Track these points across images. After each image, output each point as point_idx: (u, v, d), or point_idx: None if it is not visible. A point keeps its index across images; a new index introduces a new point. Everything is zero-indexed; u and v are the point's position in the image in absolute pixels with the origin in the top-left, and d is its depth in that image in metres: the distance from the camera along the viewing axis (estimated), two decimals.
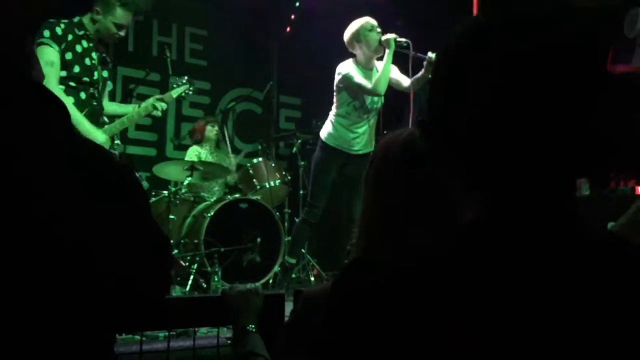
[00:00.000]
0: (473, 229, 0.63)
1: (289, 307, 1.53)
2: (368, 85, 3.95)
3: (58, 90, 2.99)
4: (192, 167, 4.43)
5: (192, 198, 4.73)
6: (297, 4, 6.34)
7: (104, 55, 3.30)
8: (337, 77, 4.08)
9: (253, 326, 1.41)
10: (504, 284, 0.58)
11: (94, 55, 3.19)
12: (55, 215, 0.92)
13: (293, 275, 4.81)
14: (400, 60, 4.01)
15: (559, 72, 0.61)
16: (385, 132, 4.19)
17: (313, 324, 1.01)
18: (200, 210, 4.55)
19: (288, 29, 6.51)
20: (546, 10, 0.66)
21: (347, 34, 4.06)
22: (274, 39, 6.62)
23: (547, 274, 0.59)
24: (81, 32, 3.14)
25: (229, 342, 1.71)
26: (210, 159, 5.20)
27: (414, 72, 3.98)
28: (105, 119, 3.39)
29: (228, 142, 5.49)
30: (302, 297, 1.11)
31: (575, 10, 0.67)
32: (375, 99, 4.06)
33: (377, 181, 1.06)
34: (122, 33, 3.22)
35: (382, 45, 3.93)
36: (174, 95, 3.67)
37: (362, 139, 4.14)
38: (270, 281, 4.49)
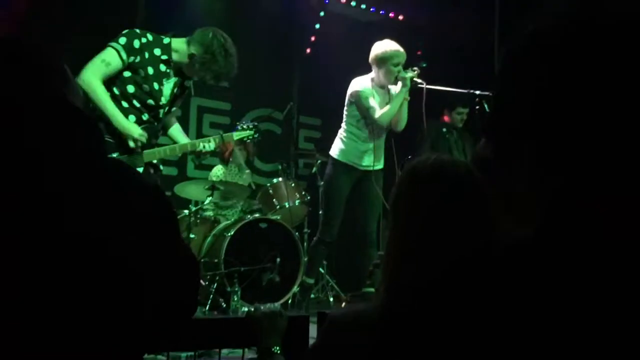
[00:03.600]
0: (543, 233, 0.61)
1: (312, 329, 1.53)
2: (375, 113, 3.97)
3: (100, 82, 2.92)
4: (212, 186, 4.47)
5: (212, 217, 4.76)
6: (318, 26, 6.41)
7: (175, 92, 3.19)
8: (350, 91, 4.11)
9: (278, 348, 1.42)
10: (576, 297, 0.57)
11: (165, 81, 3.10)
12: (86, 234, 0.94)
13: (312, 296, 4.81)
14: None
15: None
16: (407, 155, 4.20)
17: (339, 347, 1.02)
18: (220, 230, 4.57)
19: (308, 50, 6.57)
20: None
21: (373, 52, 4.08)
22: (294, 60, 6.69)
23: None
24: (165, 57, 3.06)
25: None
26: (231, 180, 5.23)
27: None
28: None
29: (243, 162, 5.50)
30: (327, 321, 1.12)
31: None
32: None
33: (408, 205, 1.06)
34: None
35: (398, 80, 3.96)
36: (235, 138, 3.56)
37: (372, 153, 4.13)
38: (290, 301, 4.48)
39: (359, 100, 4.04)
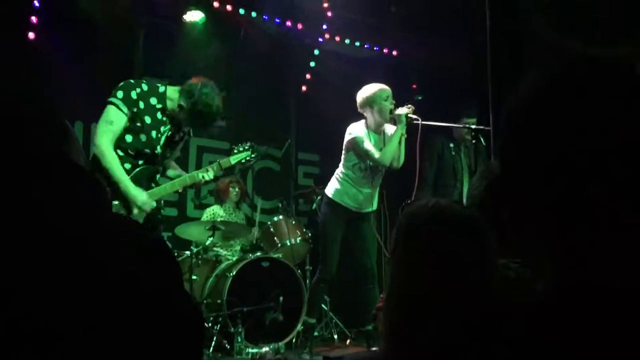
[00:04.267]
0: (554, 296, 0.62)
1: None
2: (375, 154, 4.00)
3: (110, 146, 2.98)
4: (213, 227, 4.47)
5: (214, 258, 4.75)
6: (313, 64, 6.50)
7: (171, 136, 3.23)
8: (347, 137, 4.15)
9: None
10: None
11: (162, 129, 3.15)
12: (89, 295, 0.93)
13: (315, 334, 4.76)
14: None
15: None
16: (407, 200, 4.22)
17: None
18: (222, 270, 4.56)
19: (304, 88, 6.65)
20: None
21: (360, 97, 4.13)
22: (291, 98, 6.76)
23: None
24: (159, 106, 3.11)
25: None
26: (228, 219, 5.24)
27: (422, 149, 4.03)
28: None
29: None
30: None
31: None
32: None
33: (408, 253, 1.06)
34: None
35: (393, 117, 4.01)
36: (233, 162, 3.53)
37: (366, 197, 4.19)
38: (294, 340, 4.44)
39: (356, 147, 4.07)
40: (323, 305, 4.93)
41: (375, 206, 4.27)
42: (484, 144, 3.66)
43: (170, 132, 3.19)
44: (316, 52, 6.46)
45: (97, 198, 1.10)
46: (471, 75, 4.23)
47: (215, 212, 5.30)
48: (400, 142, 4.04)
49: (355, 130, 4.11)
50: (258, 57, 6.16)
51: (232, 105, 6.46)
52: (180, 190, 3.44)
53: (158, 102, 3.12)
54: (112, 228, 1.06)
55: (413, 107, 4.00)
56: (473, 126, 3.73)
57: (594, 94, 0.65)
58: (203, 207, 5.62)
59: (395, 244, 1.08)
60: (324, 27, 6.28)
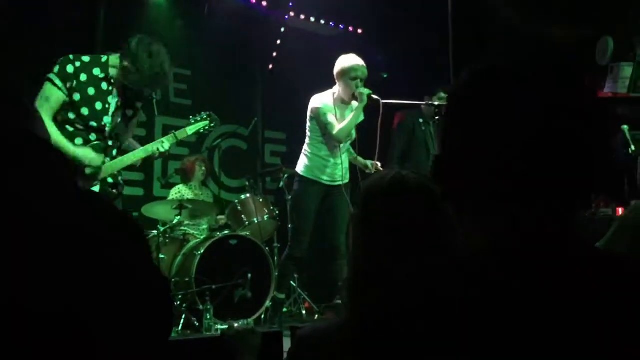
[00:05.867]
0: (484, 253, 0.70)
1: (287, 343, 1.57)
2: (333, 129, 4.03)
3: (46, 120, 2.89)
4: (180, 205, 4.47)
5: (181, 236, 4.75)
6: (279, 41, 6.47)
7: (126, 97, 3.17)
8: (310, 107, 4.16)
9: None
10: (516, 305, 0.64)
11: (109, 99, 3.10)
12: (62, 270, 0.95)
13: (284, 310, 4.82)
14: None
15: (562, 101, 0.70)
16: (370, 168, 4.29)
17: None
18: (190, 249, 4.57)
19: (271, 66, 6.63)
20: (532, 49, 0.75)
21: (336, 67, 4.13)
22: (257, 76, 6.73)
23: (555, 295, 0.65)
24: (102, 75, 3.07)
25: None
26: (195, 197, 5.23)
27: (382, 128, 4.08)
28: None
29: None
30: (295, 339, 1.15)
31: (554, 44, 0.76)
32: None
33: (364, 222, 1.11)
34: (147, 90, 3.16)
35: (356, 95, 4.02)
36: (190, 132, 3.48)
37: (337, 168, 4.18)
38: (262, 317, 4.49)
39: (318, 117, 4.09)
40: (292, 282, 4.99)
41: (347, 178, 4.26)
42: None
43: (119, 104, 3.14)
44: (282, 29, 6.43)
45: (67, 173, 1.11)
46: (437, 53, 4.29)
47: (181, 191, 5.29)
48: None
49: (319, 101, 4.11)
50: (223, 34, 6.10)
51: (197, 84, 6.44)
52: (137, 165, 3.37)
53: (101, 72, 3.07)
54: (84, 202, 1.08)
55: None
56: (436, 103, 3.79)
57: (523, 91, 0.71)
58: (169, 186, 5.60)
59: (354, 213, 1.12)
60: (290, 4, 6.25)
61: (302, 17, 6.38)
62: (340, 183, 4.20)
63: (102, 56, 3.12)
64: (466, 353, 0.62)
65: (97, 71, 3.06)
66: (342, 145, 4.16)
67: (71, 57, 3.04)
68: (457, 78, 0.79)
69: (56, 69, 3.00)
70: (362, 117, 4.11)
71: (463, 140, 0.74)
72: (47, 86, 2.99)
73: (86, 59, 3.06)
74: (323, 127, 4.08)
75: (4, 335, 0.87)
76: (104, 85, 3.08)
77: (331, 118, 4.05)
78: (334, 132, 4.02)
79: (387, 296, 0.67)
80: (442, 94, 4.48)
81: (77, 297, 0.94)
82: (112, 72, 3.09)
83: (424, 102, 4.16)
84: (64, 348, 0.92)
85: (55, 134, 2.94)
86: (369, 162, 4.29)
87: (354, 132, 4.18)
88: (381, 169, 4.03)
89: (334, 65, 4.18)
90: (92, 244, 0.98)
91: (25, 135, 1.08)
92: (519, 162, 0.69)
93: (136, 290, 1.06)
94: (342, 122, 4.06)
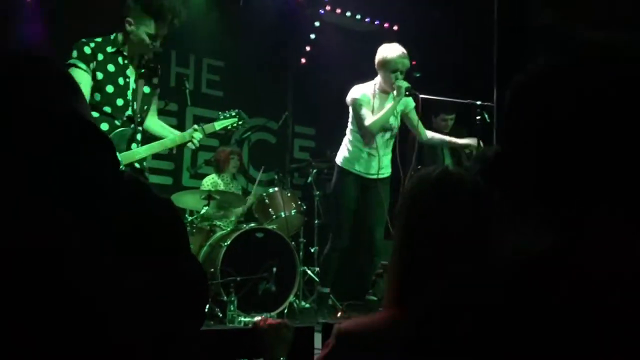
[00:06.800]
0: (551, 255, 0.65)
1: (317, 339, 1.54)
2: (366, 121, 3.99)
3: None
4: (209, 196, 4.47)
5: (208, 227, 4.76)
6: (313, 36, 6.44)
7: (142, 70, 3.20)
8: (348, 97, 4.14)
9: (283, 359, 1.42)
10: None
11: (128, 73, 3.13)
12: (96, 256, 0.93)
13: (307, 306, 4.82)
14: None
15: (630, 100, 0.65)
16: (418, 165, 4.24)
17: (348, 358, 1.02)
18: (216, 240, 4.57)
19: (303, 60, 6.60)
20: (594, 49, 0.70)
21: (377, 56, 4.08)
22: (289, 70, 6.72)
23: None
24: (114, 49, 3.09)
25: None
26: (226, 189, 5.24)
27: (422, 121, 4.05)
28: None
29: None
30: (335, 334, 1.11)
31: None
32: (392, 119, 4.08)
33: (411, 219, 1.07)
34: (157, 44, 3.11)
35: (393, 88, 3.97)
36: (217, 128, 3.49)
37: (373, 161, 4.14)
38: (285, 311, 4.48)
39: (353, 108, 4.07)
40: (315, 277, 4.96)
41: (388, 171, 4.21)
42: (488, 120, 3.64)
43: (137, 76, 3.16)
44: (317, 24, 6.40)
45: (110, 156, 1.09)
46: (474, 52, 4.22)
47: (215, 180, 5.30)
48: (410, 116, 4.07)
49: (360, 90, 4.08)
50: (258, 27, 6.10)
51: (230, 76, 6.45)
52: (172, 150, 3.37)
53: (113, 47, 3.09)
54: (125, 185, 1.06)
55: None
56: (478, 102, 3.71)
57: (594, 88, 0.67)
58: (198, 176, 5.62)
59: (400, 208, 1.09)
60: None
61: (338, 11, 6.34)
62: (376, 177, 4.15)
63: (111, 36, 3.14)
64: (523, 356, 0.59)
65: (110, 48, 3.09)
66: (379, 138, 4.11)
67: (84, 40, 3.06)
68: (525, 74, 0.75)
69: (74, 53, 3.00)
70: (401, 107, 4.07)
71: (527, 139, 0.70)
72: (74, 71, 2.96)
73: (98, 39, 3.09)
74: (357, 118, 4.05)
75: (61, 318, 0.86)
76: (120, 60, 3.11)
77: (365, 110, 4.02)
78: (367, 123, 3.99)
79: (446, 296, 0.64)
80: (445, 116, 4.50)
81: (112, 274, 0.93)
82: (123, 47, 3.12)
83: (464, 101, 4.08)
84: (102, 331, 0.91)
85: None
86: (468, 140, 4.16)
87: (422, 131, 4.15)
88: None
89: (367, 61, 4.14)
90: (136, 228, 0.97)
91: (76, 115, 1.07)
92: (587, 164, 0.65)
93: (175, 274, 1.04)
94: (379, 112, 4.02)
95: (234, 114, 3.59)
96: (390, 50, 4.01)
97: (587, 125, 0.66)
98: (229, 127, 3.57)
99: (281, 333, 1.47)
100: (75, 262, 0.91)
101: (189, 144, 3.30)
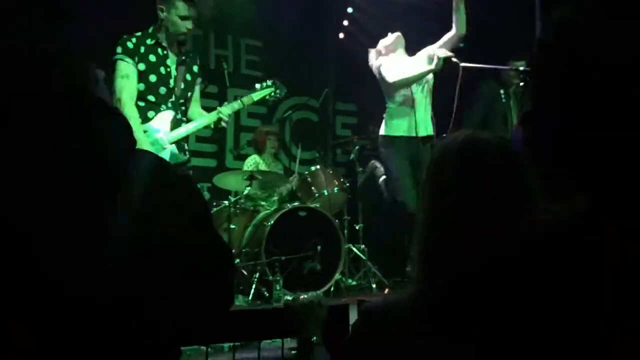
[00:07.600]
0: (570, 224, 0.61)
1: (353, 315, 1.51)
2: (390, 77, 4.01)
3: (131, 101, 3.12)
4: (251, 176, 4.49)
5: (252, 207, 4.78)
6: (350, 10, 6.33)
7: (183, 57, 3.34)
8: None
9: (317, 337, 1.40)
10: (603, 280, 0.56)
11: (169, 62, 3.28)
12: (113, 234, 0.92)
13: (353, 283, 4.80)
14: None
15: None
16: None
17: (373, 340, 0.98)
18: (260, 219, 4.59)
19: (342, 35, 6.51)
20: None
21: None
22: (328, 47, 6.64)
23: None
24: (153, 41, 3.24)
25: (293, 352, 1.71)
26: (267, 169, 5.24)
27: (461, 94, 3.91)
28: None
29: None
30: (361, 313, 1.08)
31: None
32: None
33: (435, 186, 1.01)
34: (188, 25, 3.25)
35: (432, 58, 3.92)
36: (255, 99, 3.59)
37: (416, 121, 4.09)
38: (332, 289, 4.47)
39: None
40: (360, 254, 4.94)
41: (430, 130, 4.17)
42: None
43: (177, 64, 3.30)
44: None
45: (126, 136, 1.08)
46: (518, 17, 4.04)
47: (256, 161, 5.32)
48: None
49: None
50: (295, 5, 6.03)
51: (268, 55, 6.43)
52: (212, 126, 3.43)
53: (151, 40, 3.25)
54: (142, 165, 1.05)
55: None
56: (522, 67, 3.56)
57: None
58: (242, 157, 5.64)
59: (427, 171, 1.04)
60: None
61: None
62: (422, 135, 4.11)
63: (148, 29, 3.29)
64: (546, 331, 0.54)
65: (149, 41, 3.25)
66: (415, 94, 4.09)
67: (125, 36, 3.22)
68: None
69: (119, 49, 3.17)
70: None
71: (564, 111, 0.64)
72: (122, 65, 3.15)
73: (138, 34, 3.25)
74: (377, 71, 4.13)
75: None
76: (160, 51, 3.26)
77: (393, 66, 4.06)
78: (392, 80, 4.00)
79: (463, 269, 0.59)
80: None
81: (134, 250, 0.92)
82: (161, 37, 3.26)
83: (507, 67, 3.93)
84: (131, 318, 0.90)
85: (134, 118, 3.07)
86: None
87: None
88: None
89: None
90: (147, 201, 0.95)
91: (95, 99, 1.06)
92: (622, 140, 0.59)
93: (196, 246, 1.03)
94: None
95: (270, 83, 3.70)
96: None
97: (616, 87, 0.60)
98: (267, 96, 3.67)
99: (315, 311, 1.45)
100: (94, 239, 0.90)
101: (222, 123, 3.39)
